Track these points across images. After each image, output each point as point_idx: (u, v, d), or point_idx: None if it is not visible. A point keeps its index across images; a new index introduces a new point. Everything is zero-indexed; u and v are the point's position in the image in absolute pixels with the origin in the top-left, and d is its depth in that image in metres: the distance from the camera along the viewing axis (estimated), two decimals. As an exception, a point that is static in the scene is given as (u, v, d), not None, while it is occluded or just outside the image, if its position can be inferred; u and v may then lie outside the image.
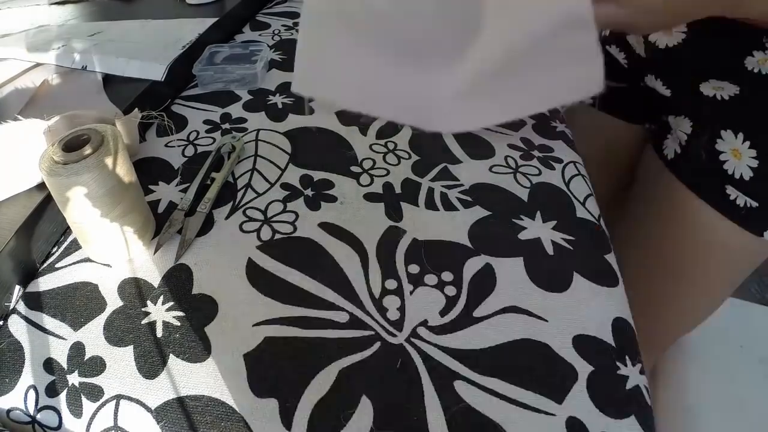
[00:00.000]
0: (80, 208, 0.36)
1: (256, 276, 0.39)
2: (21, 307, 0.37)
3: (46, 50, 0.58)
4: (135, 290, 0.38)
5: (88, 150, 0.35)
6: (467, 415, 0.31)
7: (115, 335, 0.35)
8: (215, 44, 0.64)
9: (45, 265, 0.40)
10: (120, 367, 0.33)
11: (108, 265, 0.39)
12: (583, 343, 0.35)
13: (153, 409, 0.31)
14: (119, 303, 0.37)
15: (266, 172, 0.48)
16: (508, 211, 0.45)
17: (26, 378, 0.33)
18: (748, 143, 0.47)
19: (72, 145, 0.36)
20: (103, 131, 0.37)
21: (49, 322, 0.36)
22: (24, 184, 0.41)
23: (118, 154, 0.36)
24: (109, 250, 0.39)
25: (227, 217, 0.43)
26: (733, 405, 0.96)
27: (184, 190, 0.45)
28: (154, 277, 0.38)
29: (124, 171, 0.37)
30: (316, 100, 0.58)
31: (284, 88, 0.60)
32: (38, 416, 0.32)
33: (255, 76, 0.59)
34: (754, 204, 0.49)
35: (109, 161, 0.35)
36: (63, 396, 0.32)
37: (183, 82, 0.60)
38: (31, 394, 0.33)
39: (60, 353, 0.34)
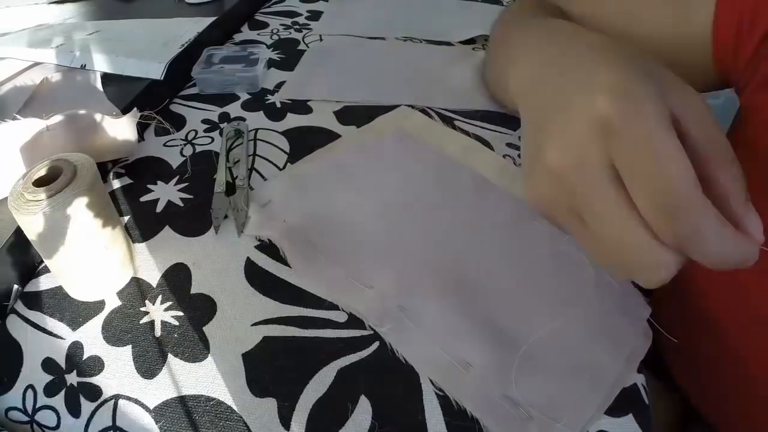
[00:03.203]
0: (57, 247, 0.33)
1: (255, 275, 0.39)
2: (19, 306, 0.37)
3: (45, 49, 0.58)
4: (134, 290, 0.38)
5: (60, 184, 0.32)
6: (466, 414, 0.31)
7: (113, 335, 0.35)
8: (212, 47, 0.63)
9: (43, 264, 0.40)
10: (118, 366, 0.33)
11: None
12: (582, 343, 0.35)
13: (151, 408, 0.31)
14: (118, 302, 0.37)
15: (265, 172, 0.48)
16: (507, 211, 0.44)
17: (25, 377, 0.33)
18: None
19: (43, 180, 0.33)
20: (75, 161, 0.34)
21: (47, 321, 0.36)
22: (22, 183, 0.41)
23: (94, 185, 0.33)
24: (91, 287, 0.36)
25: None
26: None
27: (183, 189, 0.45)
28: (153, 277, 0.38)
29: (102, 204, 0.34)
30: (314, 100, 0.58)
31: (283, 87, 0.60)
32: (37, 416, 0.32)
33: (256, 78, 0.58)
34: None
35: (83, 195, 0.33)
36: (61, 396, 0.32)
37: (182, 81, 0.60)
38: (30, 393, 0.33)
39: (58, 353, 0.34)
